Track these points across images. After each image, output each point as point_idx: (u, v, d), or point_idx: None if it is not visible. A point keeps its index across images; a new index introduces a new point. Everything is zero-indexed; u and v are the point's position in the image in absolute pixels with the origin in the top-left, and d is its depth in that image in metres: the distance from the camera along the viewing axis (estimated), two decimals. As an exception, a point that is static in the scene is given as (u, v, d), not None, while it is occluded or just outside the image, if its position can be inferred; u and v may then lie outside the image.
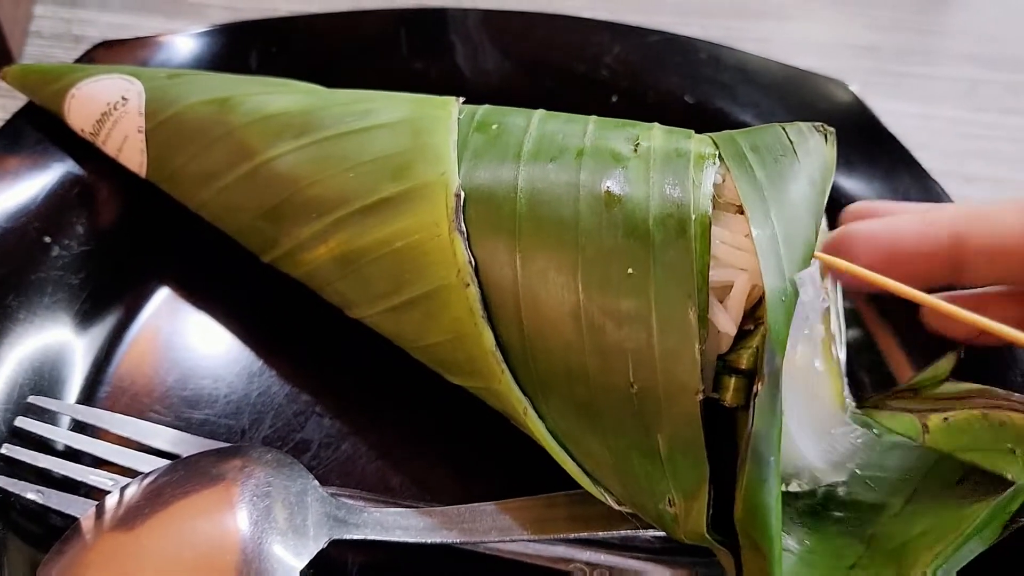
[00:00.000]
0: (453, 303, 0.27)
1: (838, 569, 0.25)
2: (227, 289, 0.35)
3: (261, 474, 0.27)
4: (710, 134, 0.28)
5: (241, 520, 0.26)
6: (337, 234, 0.29)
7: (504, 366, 0.26)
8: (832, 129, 0.28)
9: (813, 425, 0.25)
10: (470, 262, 0.26)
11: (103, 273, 0.33)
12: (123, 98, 0.33)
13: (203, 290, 0.35)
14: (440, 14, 0.42)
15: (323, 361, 0.33)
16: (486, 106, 0.30)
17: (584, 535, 0.28)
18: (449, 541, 0.27)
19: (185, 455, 0.29)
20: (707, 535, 0.25)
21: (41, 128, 0.36)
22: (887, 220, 0.29)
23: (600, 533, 0.28)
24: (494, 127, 0.29)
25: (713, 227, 0.25)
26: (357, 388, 0.32)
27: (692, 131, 0.28)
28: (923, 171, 0.38)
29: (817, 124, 0.28)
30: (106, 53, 0.39)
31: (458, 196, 0.27)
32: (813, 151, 0.27)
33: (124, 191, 0.35)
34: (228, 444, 0.29)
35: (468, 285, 0.26)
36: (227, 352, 0.33)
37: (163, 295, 0.34)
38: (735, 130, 0.28)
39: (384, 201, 0.28)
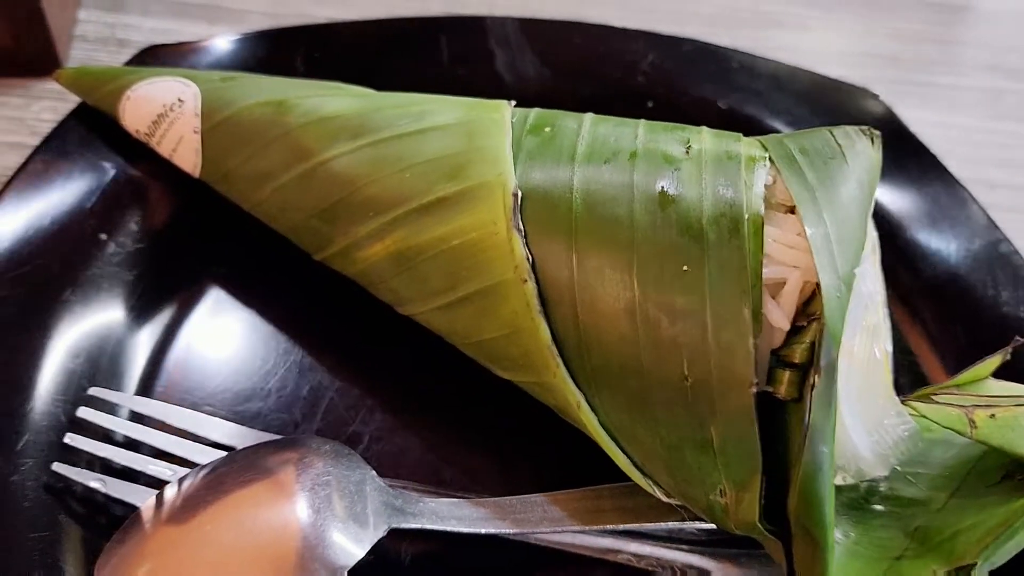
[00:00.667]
0: (510, 299, 0.27)
1: (884, 560, 0.26)
2: (277, 285, 0.35)
3: (320, 464, 0.28)
4: (758, 137, 0.29)
5: (301, 509, 0.27)
6: (393, 232, 0.30)
7: (559, 360, 0.27)
8: (878, 132, 0.29)
9: (867, 415, 0.26)
10: (527, 259, 0.27)
11: (157, 269, 0.34)
12: (179, 100, 0.34)
13: (254, 286, 0.35)
14: (479, 22, 0.43)
15: (373, 356, 0.34)
16: (537, 110, 0.31)
17: (632, 526, 0.29)
18: (501, 532, 0.28)
19: (241, 447, 0.29)
20: (758, 524, 0.25)
21: (93, 129, 0.37)
22: None
23: (648, 525, 0.29)
24: (547, 129, 0.29)
25: (766, 226, 0.25)
26: (406, 382, 0.33)
27: (740, 134, 0.29)
28: (952, 178, 0.39)
29: (863, 128, 0.29)
30: (154, 57, 0.40)
31: (516, 196, 0.28)
32: (861, 153, 0.28)
33: (176, 190, 0.36)
34: (284, 436, 0.30)
35: (526, 281, 0.27)
36: (278, 347, 0.34)
37: (215, 291, 0.35)
38: (783, 134, 0.29)
39: (441, 200, 0.29)
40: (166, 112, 0.34)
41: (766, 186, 0.27)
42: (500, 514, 0.28)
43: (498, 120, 0.30)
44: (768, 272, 0.25)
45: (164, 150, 0.35)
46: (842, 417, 0.25)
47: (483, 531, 0.28)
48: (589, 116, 0.30)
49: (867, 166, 0.28)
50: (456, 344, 0.30)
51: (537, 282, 0.27)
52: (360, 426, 0.32)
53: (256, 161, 0.33)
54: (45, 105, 0.42)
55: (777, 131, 0.42)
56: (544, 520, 0.29)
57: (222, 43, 0.41)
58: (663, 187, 0.27)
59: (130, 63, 0.39)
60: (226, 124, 0.33)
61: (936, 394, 0.27)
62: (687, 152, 0.28)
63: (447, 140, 0.30)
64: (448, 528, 0.28)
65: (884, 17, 0.59)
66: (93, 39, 0.46)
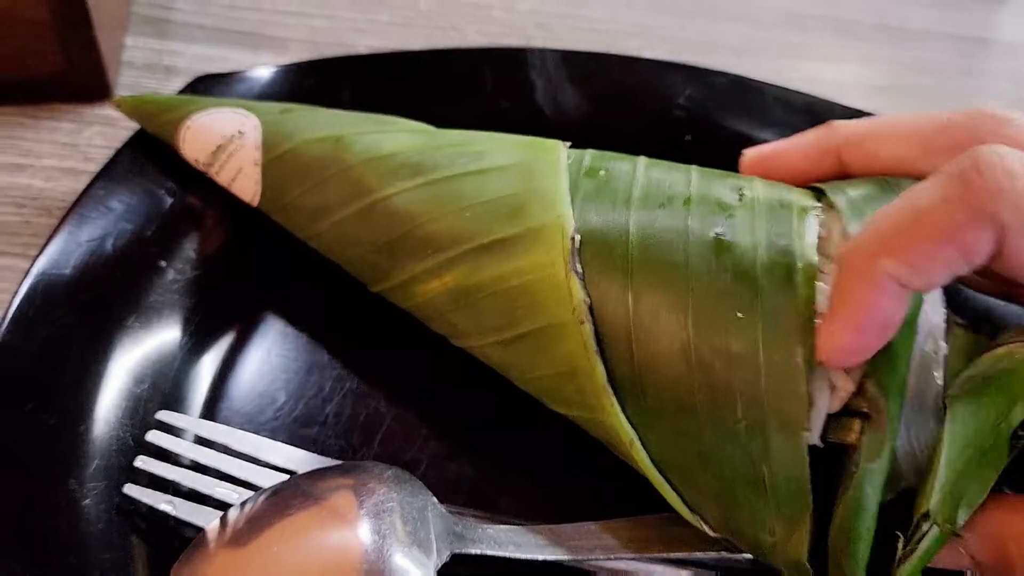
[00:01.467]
0: (568, 339, 0.28)
1: None
2: (333, 312, 0.36)
3: (383, 489, 0.28)
4: (817, 183, 0.30)
5: (365, 533, 0.27)
6: (452, 270, 0.30)
7: (614, 399, 0.28)
8: None
9: (919, 437, 0.27)
10: (585, 301, 0.28)
11: (215, 296, 0.35)
12: (240, 132, 0.35)
13: (310, 312, 0.36)
14: (521, 53, 0.44)
15: (428, 385, 0.34)
16: (591, 151, 0.32)
17: (682, 555, 0.30)
18: (557, 558, 0.29)
19: (301, 471, 0.30)
20: (804, 563, 0.26)
21: (150, 156, 0.37)
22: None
23: (698, 554, 0.29)
24: (602, 172, 0.30)
25: (820, 277, 0.26)
26: (462, 411, 0.34)
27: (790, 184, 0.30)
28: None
29: None
30: (205, 85, 0.41)
31: (574, 239, 0.29)
32: None
33: (233, 217, 0.37)
34: (344, 462, 0.31)
35: (583, 323, 0.28)
36: (334, 373, 0.34)
37: (272, 317, 0.36)
38: (841, 181, 0.30)
39: (500, 241, 0.30)
40: (226, 144, 0.35)
41: (820, 237, 0.27)
42: (556, 541, 0.29)
43: (554, 162, 0.31)
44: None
45: (223, 180, 0.36)
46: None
47: (540, 558, 0.29)
48: (643, 160, 0.31)
49: None
50: (510, 378, 0.31)
51: (594, 323, 0.28)
52: (417, 453, 0.32)
53: (315, 195, 0.33)
54: (96, 131, 0.43)
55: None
56: (598, 548, 0.29)
57: (270, 73, 0.42)
58: (717, 233, 0.28)
59: (183, 91, 0.40)
60: (285, 158, 0.34)
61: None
62: (740, 199, 0.28)
63: (505, 180, 0.31)
64: (507, 554, 0.28)
65: (907, 48, 0.60)
66: (140, 65, 0.47)
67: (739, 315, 0.26)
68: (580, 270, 0.28)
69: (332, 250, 0.34)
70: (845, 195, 0.28)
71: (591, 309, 0.28)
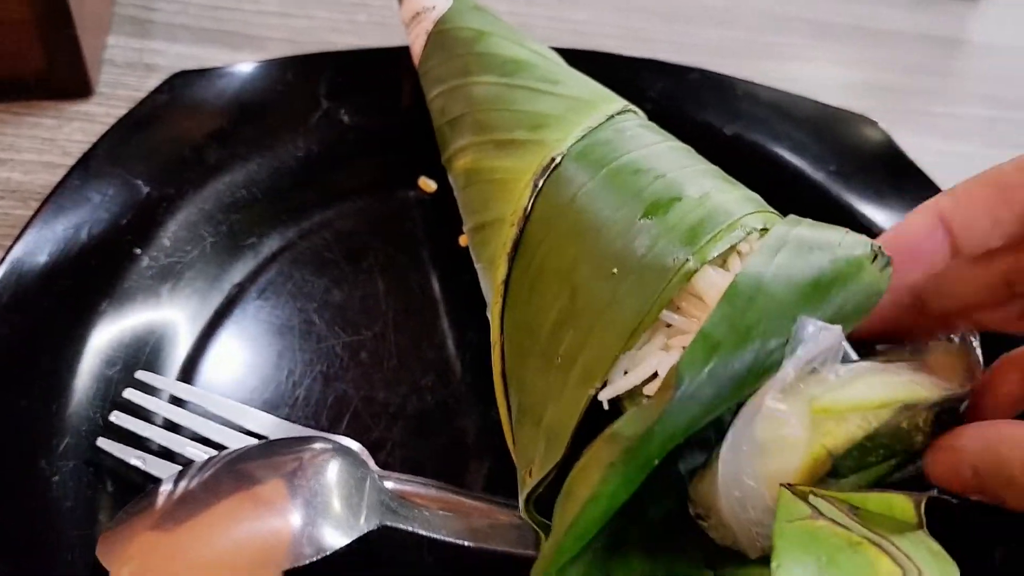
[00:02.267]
0: (500, 235, 0.31)
1: None
2: (303, 301, 0.37)
3: (328, 457, 0.29)
4: (774, 214, 0.29)
5: (302, 491, 0.28)
6: (474, 153, 0.35)
7: (501, 301, 0.31)
8: (887, 260, 0.26)
9: (755, 494, 0.25)
10: (526, 209, 0.31)
11: (189, 282, 0.36)
12: (433, 7, 0.41)
13: (281, 300, 0.37)
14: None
15: (397, 368, 0.35)
16: (642, 120, 0.35)
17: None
18: (489, 547, 0.29)
19: (271, 436, 0.31)
20: (528, 507, 0.27)
21: (125, 149, 0.38)
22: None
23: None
24: (626, 134, 0.33)
25: (698, 280, 0.26)
26: (429, 393, 0.34)
27: (760, 199, 0.30)
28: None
29: (876, 248, 0.26)
30: (184, 80, 0.42)
31: (553, 160, 0.31)
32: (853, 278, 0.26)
33: (205, 206, 0.38)
34: (311, 432, 0.31)
35: (512, 226, 0.31)
36: (305, 358, 0.35)
37: (245, 303, 0.36)
38: (799, 219, 0.28)
39: (511, 142, 0.34)
40: (421, 12, 0.42)
41: (737, 250, 0.27)
42: (488, 537, 0.29)
43: (594, 110, 0.34)
44: (675, 320, 0.26)
45: (410, 38, 0.42)
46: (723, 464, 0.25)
47: (467, 543, 0.29)
48: (664, 144, 0.33)
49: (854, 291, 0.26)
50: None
51: (522, 231, 0.31)
52: (383, 432, 0.33)
53: (442, 67, 0.39)
54: (76, 127, 0.44)
55: (781, 157, 0.44)
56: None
57: (247, 68, 0.43)
58: (642, 223, 0.28)
59: (162, 86, 0.41)
60: (442, 34, 0.40)
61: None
62: (703, 196, 0.29)
63: (552, 104, 0.34)
64: (435, 536, 0.29)
65: (883, 49, 0.61)
66: (122, 64, 0.47)
67: (614, 271, 0.27)
68: (539, 186, 0.31)
69: (433, 114, 0.39)
70: (786, 227, 0.27)
71: (526, 218, 0.31)
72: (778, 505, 0.23)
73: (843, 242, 0.27)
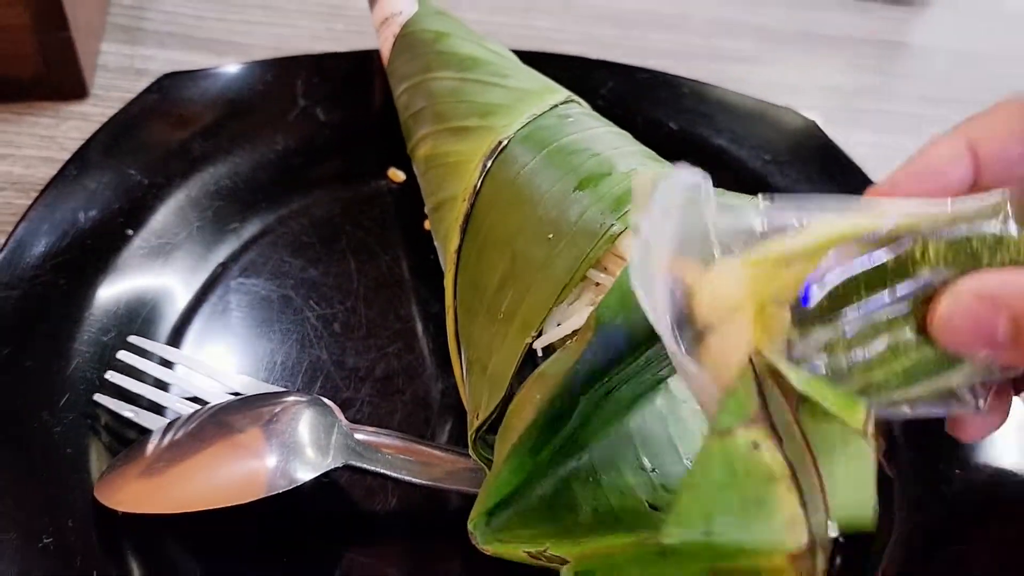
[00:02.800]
0: (453, 210, 0.35)
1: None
2: (280, 277, 0.41)
3: (301, 406, 0.33)
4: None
5: (276, 432, 0.32)
6: (432, 141, 0.39)
7: (455, 269, 0.34)
8: None
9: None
10: (476, 187, 0.35)
11: (177, 261, 0.39)
12: (400, 12, 0.45)
13: (261, 277, 0.40)
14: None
15: (366, 337, 0.39)
16: (581, 109, 0.38)
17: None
18: (423, 483, 0.33)
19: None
20: (474, 445, 0.31)
21: (118, 143, 0.42)
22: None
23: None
24: (568, 120, 0.36)
25: (622, 243, 0.30)
26: (397, 357, 0.38)
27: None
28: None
29: None
30: (172, 81, 0.45)
31: (499, 144, 0.35)
32: None
33: (192, 193, 0.41)
34: (284, 390, 0.35)
35: (464, 201, 0.35)
36: (282, 327, 0.39)
37: (226, 281, 0.40)
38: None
39: (463, 128, 0.37)
40: (390, 18, 0.46)
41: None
42: (445, 479, 0.33)
43: (539, 99, 0.37)
44: (602, 278, 0.30)
45: (380, 41, 0.46)
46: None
47: (425, 482, 0.32)
48: (604, 128, 0.37)
49: None
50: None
51: (472, 205, 0.34)
52: (353, 393, 0.37)
53: (406, 65, 0.43)
54: (72, 125, 0.47)
55: (722, 147, 0.48)
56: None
57: (231, 69, 0.46)
58: (584, 181, 0.32)
59: (152, 87, 0.45)
60: (408, 36, 0.44)
61: None
62: (627, 172, 0.33)
63: (502, 95, 0.38)
64: (395, 475, 0.32)
65: (830, 53, 0.65)
66: (115, 68, 0.51)
67: (550, 236, 0.31)
68: (488, 166, 0.35)
69: (399, 109, 0.43)
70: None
71: (476, 195, 0.35)
72: (721, 402, 0.21)
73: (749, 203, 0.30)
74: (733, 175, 0.46)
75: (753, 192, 0.34)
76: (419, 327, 0.40)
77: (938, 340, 0.22)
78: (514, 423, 0.28)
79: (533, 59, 0.45)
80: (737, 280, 0.22)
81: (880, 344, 0.22)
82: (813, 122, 0.49)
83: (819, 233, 0.22)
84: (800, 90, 0.61)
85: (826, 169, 0.46)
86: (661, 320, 0.22)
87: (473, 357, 0.32)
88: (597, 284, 0.30)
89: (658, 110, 0.48)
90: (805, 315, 0.21)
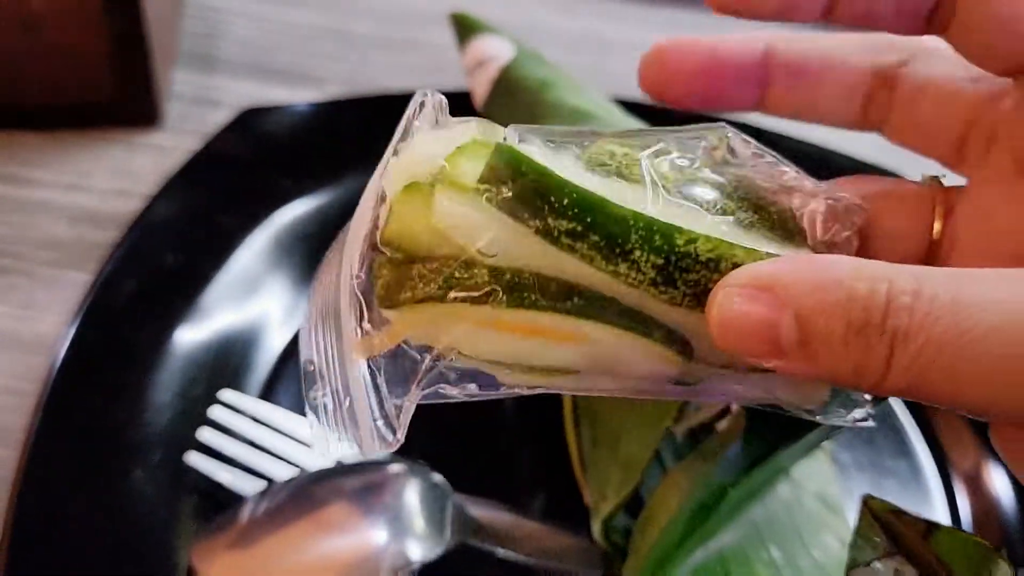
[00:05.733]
0: None
1: None
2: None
3: (409, 476, 0.31)
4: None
5: (386, 508, 0.30)
6: None
7: None
8: None
9: None
10: None
11: (264, 308, 0.38)
12: (497, 56, 0.44)
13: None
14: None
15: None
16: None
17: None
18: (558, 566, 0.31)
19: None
20: (602, 532, 0.29)
21: (203, 182, 0.41)
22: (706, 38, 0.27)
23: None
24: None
25: None
26: (496, 420, 0.37)
27: None
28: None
29: None
30: (252, 116, 0.44)
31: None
32: None
33: (280, 237, 0.40)
34: (388, 455, 0.33)
35: None
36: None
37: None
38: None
39: None
40: (485, 61, 0.44)
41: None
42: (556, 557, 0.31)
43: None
44: None
45: (472, 84, 0.45)
46: None
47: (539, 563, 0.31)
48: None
49: None
50: None
51: None
52: (447, 456, 0.35)
53: (507, 114, 0.40)
54: (147, 157, 0.46)
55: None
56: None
57: (315, 106, 0.45)
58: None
59: (234, 124, 0.43)
60: (508, 83, 0.43)
61: None
62: None
63: None
64: (509, 555, 0.31)
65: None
66: (188, 98, 0.50)
67: None
68: None
69: None
70: None
71: None
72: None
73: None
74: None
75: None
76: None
77: (717, 343, 0.19)
78: (658, 515, 0.27)
79: (627, 108, 0.43)
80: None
81: None
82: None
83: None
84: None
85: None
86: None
87: (599, 434, 0.30)
88: None
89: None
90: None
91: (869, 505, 0.24)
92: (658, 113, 0.48)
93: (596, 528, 0.29)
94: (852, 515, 0.28)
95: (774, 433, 0.27)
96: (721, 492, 0.27)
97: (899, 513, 0.24)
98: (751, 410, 0.26)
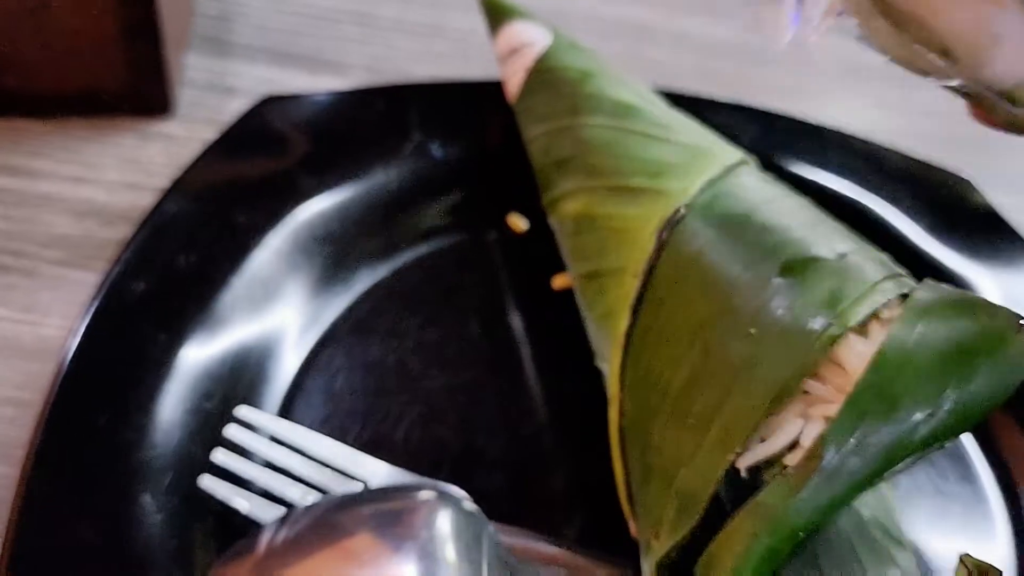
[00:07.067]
0: (621, 285, 0.31)
1: None
2: (400, 339, 0.36)
3: (441, 505, 0.28)
4: (907, 277, 0.29)
5: (415, 536, 0.27)
6: (585, 198, 0.34)
7: (621, 354, 0.30)
8: None
9: None
10: (650, 261, 0.30)
11: (283, 318, 0.35)
12: (532, 43, 0.41)
13: (378, 339, 0.36)
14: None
15: (497, 413, 0.34)
16: (757, 172, 0.34)
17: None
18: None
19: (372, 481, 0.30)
20: (655, 572, 0.27)
21: (221, 174, 0.38)
22: None
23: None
24: (748, 187, 0.32)
25: (840, 347, 0.26)
26: (531, 442, 0.34)
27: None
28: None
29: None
30: (271, 105, 0.41)
31: (677, 211, 0.31)
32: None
33: (299, 237, 0.37)
34: (418, 478, 0.30)
35: (635, 277, 0.30)
36: (403, 399, 0.34)
37: (340, 343, 0.36)
38: (933, 282, 0.28)
39: (629, 189, 0.33)
40: (519, 48, 0.41)
41: (878, 316, 0.27)
42: None
43: (715, 157, 0.34)
44: (815, 387, 0.26)
45: (505, 74, 0.42)
46: None
47: None
48: (788, 201, 0.33)
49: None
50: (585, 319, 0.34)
51: (645, 283, 0.30)
52: (482, 482, 0.32)
53: (545, 106, 0.39)
54: (158, 147, 0.43)
55: (870, 209, 0.43)
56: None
57: (338, 95, 0.42)
58: (776, 283, 0.28)
59: (252, 111, 0.40)
60: (545, 72, 0.40)
61: None
62: (834, 256, 0.29)
63: (669, 151, 0.34)
64: None
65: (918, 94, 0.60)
66: (202, 84, 0.47)
67: (752, 331, 0.27)
68: (664, 238, 0.31)
69: (532, 154, 0.39)
70: (926, 293, 0.27)
71: (651, 270, 0.30)
72: None
73: (984, 310, 0.27)
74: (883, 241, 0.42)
75: (908, 263, 0.32)
76: (547, 405, 0.35)
77: None
78: (723, 560, 0.24)
79: (669, 99, 0.40)
80: None
81: None
82: (968, 182, 0.44)
83: None
84: (932, 139, 0.56)
85: (990, 239, 0.42)
86: None
87: (653, 464, 0.28)
88: (806, 392, 0.26)
89: (801, 164, 0.44)
90: None
91: (966, 563, 0.23)
92: (702, 104, 0.45)
93: (648, 567, 0.27)
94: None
95: (857, 466, 0.24)
96: (792, 536, 0.24)
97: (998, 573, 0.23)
98: (829, 441, 0.23)
